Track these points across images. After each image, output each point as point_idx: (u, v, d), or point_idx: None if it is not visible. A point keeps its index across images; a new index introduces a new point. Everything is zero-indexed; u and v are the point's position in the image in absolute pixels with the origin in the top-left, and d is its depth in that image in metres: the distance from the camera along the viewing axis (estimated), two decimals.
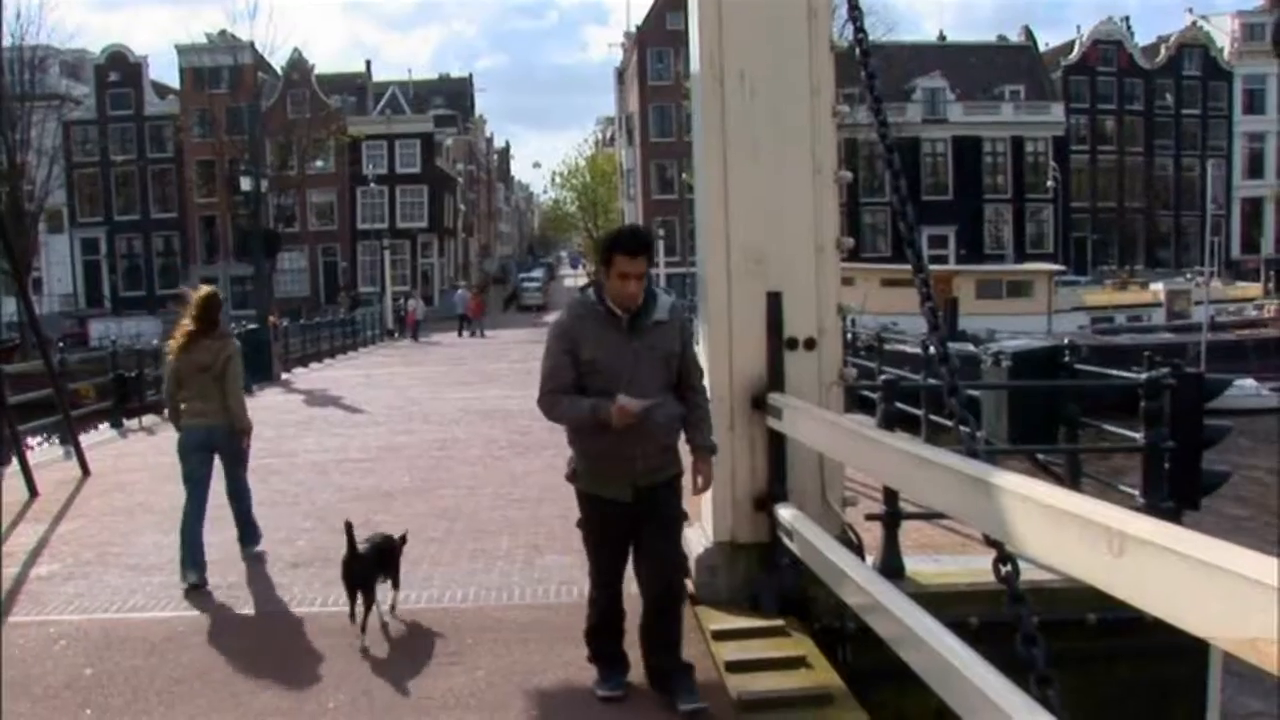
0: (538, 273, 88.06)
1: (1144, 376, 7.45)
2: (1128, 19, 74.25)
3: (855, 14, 5.23)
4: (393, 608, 6.64)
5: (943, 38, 75.58)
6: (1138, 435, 7.58)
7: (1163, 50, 70.43)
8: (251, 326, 25.88)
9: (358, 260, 65.85)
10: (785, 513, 6.00)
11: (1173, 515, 7.65)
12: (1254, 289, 52.18)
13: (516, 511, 9.54)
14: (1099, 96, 69.20)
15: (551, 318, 5.04)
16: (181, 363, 8.05)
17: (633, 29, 68.26)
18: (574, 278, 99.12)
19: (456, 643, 6.17)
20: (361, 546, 6.39)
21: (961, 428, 4.15)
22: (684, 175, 57.38)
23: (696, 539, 6.64)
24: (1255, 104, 67.80)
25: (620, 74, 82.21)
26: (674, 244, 62.05)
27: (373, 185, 63.24)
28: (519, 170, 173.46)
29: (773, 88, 6.31)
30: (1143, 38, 72.36)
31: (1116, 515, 2.38)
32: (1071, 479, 9.12)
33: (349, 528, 6.29)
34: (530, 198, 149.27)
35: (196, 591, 7.32)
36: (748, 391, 6.35)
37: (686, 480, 5.25)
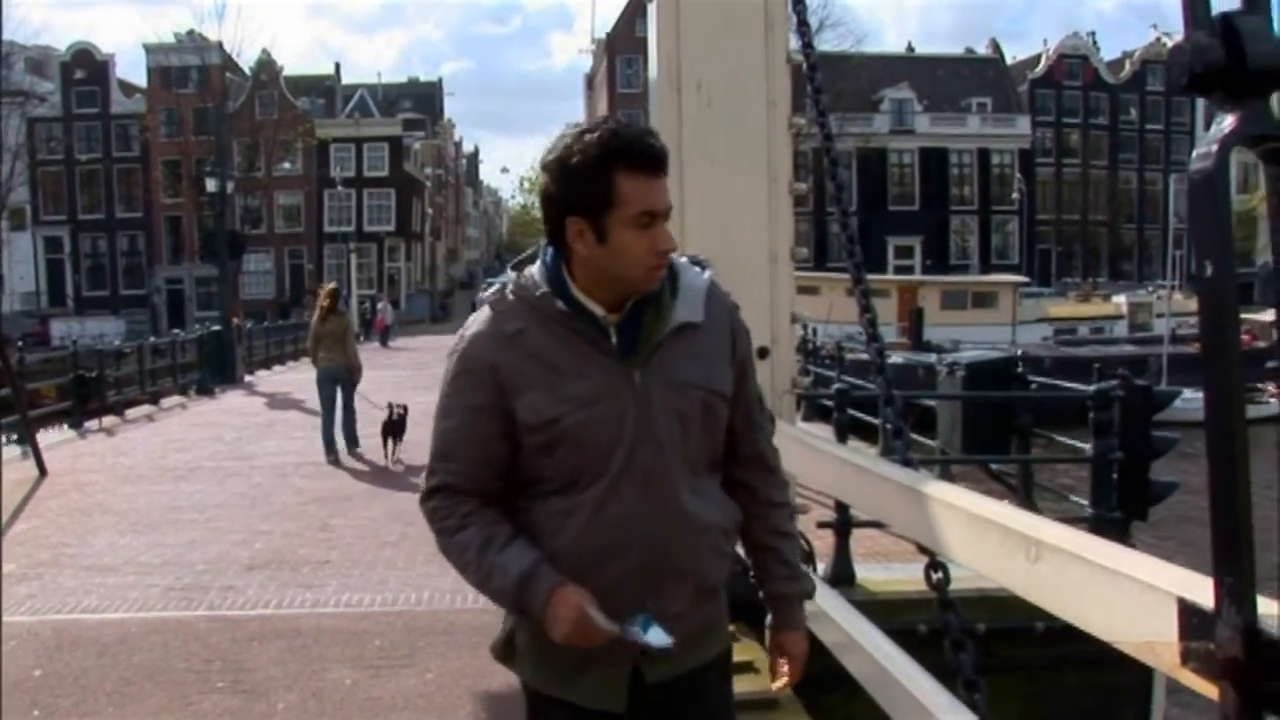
0: (505, 278, 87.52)
1: (1092, 388, 7.57)
2: (1094, 34, 75.05)
3: (804, 29, 5.31)
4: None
5: (911, 49, 76.02)
6: (1088, 446, 7.68)
7: (1127, 65, 71.09)
8: (214, 328, 25.77)
9: (324, 263, 65.47)
10: None
11: (1121, 525, 7.76)
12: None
13: None
14: (1064, 110, 69.73)
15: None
16: (320, 329, 13.64)
17: (601, 36, 68.27)
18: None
19: (409, 645, 6.20)
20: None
21: (900, 439, 4.22)
22: None
23: None
24: (1217, 120, 68.13)
25: (589, 80, 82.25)
26: None
27: (340, 188, 63.00)
28: (487, 175, 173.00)
29: (730, 98, 6.36)
30: (1108, 53, 73.05)
31: (1033, 523, 2.45)
32: (1024, 489, 9.24)
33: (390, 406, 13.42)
34: (498, 202, 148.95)
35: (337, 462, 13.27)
36: None
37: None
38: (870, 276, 5.69)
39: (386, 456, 13.20)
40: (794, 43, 6.46)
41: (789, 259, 6.56)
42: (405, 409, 13.39)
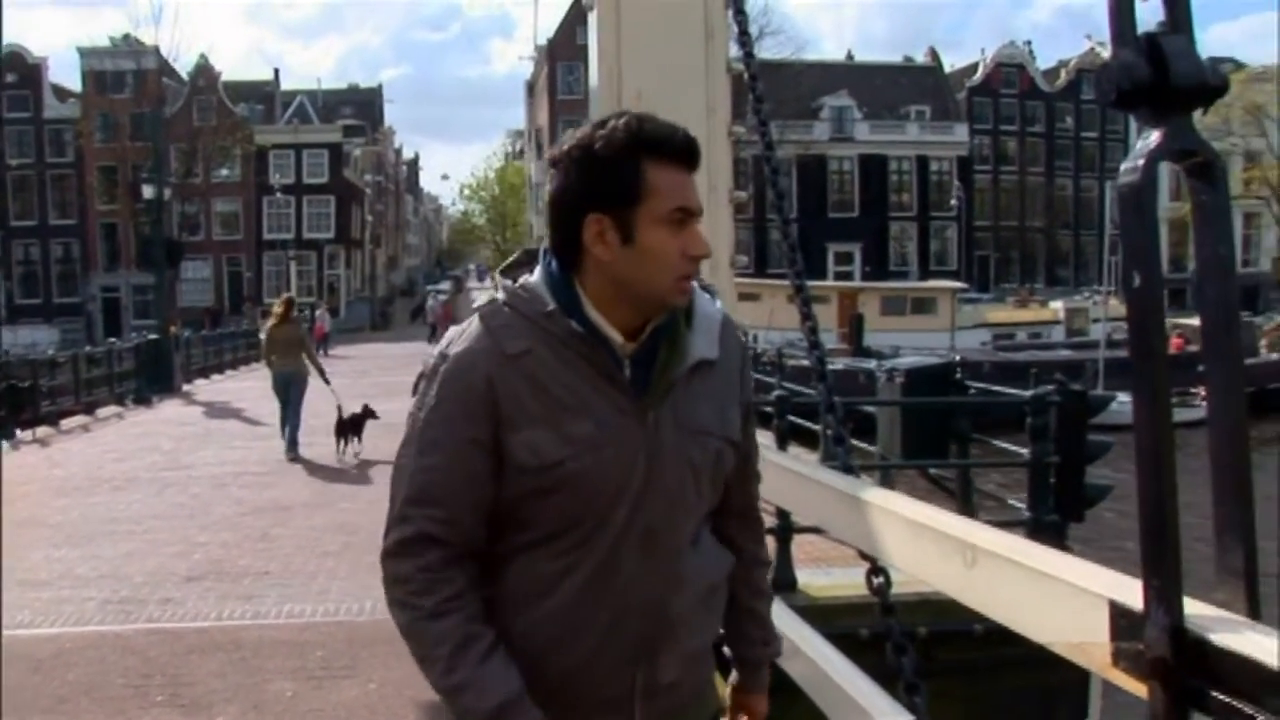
0: (445, 285, 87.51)
1: (1029, 394, 7.68)
2: (1029, 43, 76.11)
3: (744, 38, 5.35)
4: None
5: (850, 57, 76.51)
6: (1025, 451, 7.80)
7: (1063, 74, 71.99)
8: (152, 336, 25.47)
9: (263, 270, 64.89)
10: None
11: (1057, 528, 7.88)
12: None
13: None
14: (1002, 118, 70.51)
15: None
16: (274, 335, 14.63)
17: (542, 42, 68.20)
18: (481, 290, 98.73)
19: (350, 655, 6.17)
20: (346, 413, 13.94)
21: (838, 444, 4.26)
22: None
23: None
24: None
25: (530, 87, 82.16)
26: None
27: (279, 194, 62.51)
28: (428, 182, 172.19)
29: (670, 107, 6.32)
30: (1044, 61, 73.96)
31: (968, 528, 2.49)
32: (963, 493, 9.34)
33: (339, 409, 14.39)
34: (439, 210, 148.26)
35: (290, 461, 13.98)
36: None
37: None
38: (810, 283, 5.76)
39: (340, 452, 14.05)
40: (734, 50, 6.52)
41: (729, 267, 6.60)
42: (367, 408, 14.36)
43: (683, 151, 1.86)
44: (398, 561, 1.90)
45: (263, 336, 15.57)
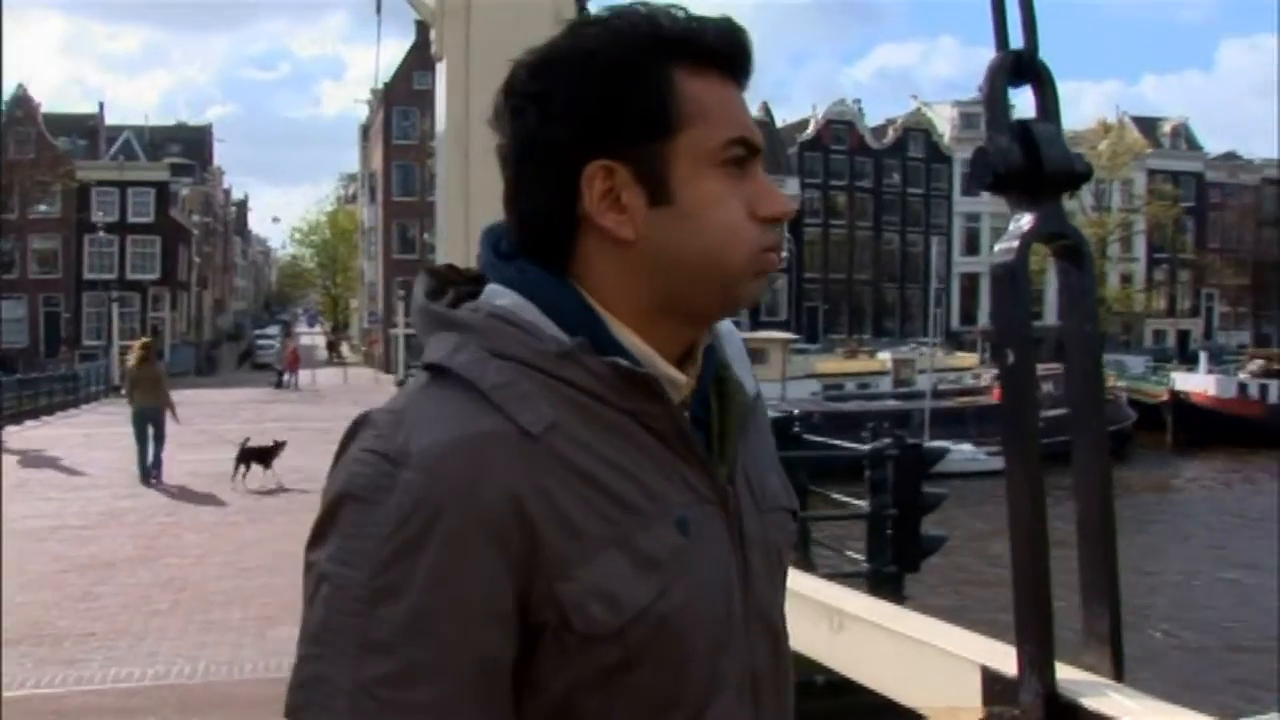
0: (274, 329, 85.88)
1: (868, 448, 7.86)
2: (859, 101, 78.29)
3: None
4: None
5: None
6: (863, 503, 7.98)
7: (890, 132, 74.33)
8: None
9: (83, 311, 62.64)
10: None
11: (895, 578, 8.08)
12: (971, 359, 55.30)
13: (248, 581, 9.28)
14: (832, 173, 72.34)
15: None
16: (136, 374, 16.49)
17: (379, 86, 67.57)
18: (311, 336, 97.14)
19: None
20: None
21: None
22: (425, 236, 57.17)
23: None
24: (972, 187, 71.93)
25: (365, 131, 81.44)
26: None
27: (102, 233, 60.45)
28: (256, 224, 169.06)
29: None
30: (872, 119, 76.26)
31: (835, 593, 2.53)
32: (802, 545, 9.49)
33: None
34: (268, 253, 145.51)
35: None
36: None
37: None
38: None
39: (237, 479, 14.93)
40: None
41: None
42: (278, 442, 15.64)
43: (734, 53, 1.14)
44: None
45: (122, 375, 17.96)
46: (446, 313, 1.10)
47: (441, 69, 6.55)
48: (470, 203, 6.40)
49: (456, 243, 6.42)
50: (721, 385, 1.19)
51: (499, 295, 1.10)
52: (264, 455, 15.38)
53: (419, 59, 61.30)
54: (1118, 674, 1.87)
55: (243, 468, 15.09)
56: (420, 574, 0.97)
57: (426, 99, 6.69)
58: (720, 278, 1.10)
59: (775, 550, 1.21)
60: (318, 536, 1.03)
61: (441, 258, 6.70)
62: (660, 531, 1.06)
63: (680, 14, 1.11)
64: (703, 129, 1.09)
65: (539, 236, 1.12)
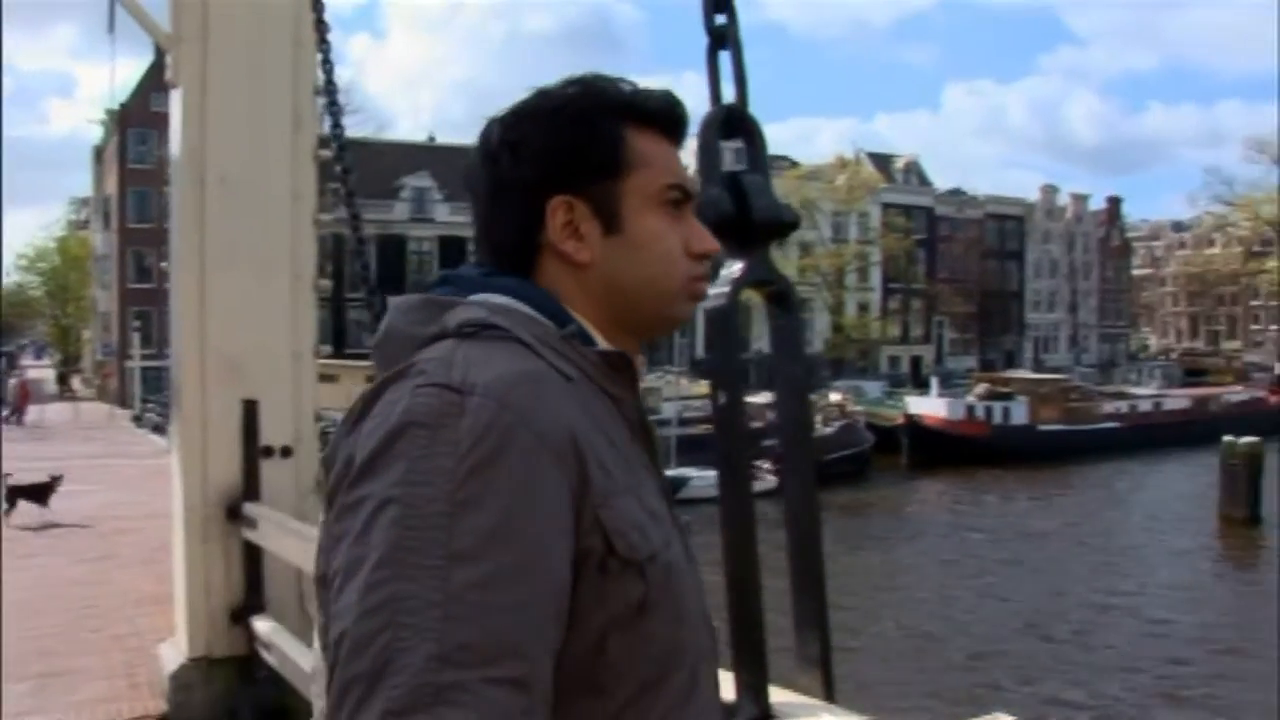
0: None
1: None
2: None
3: (337, 130, 5.34)
4: None
5: (432, 139, 77.22)
6: None
7: None
8: None
9: None
10: (262, 625, 5.88)
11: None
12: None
13: None
14: None
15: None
16: None
17: (115, 106, 64.74)
18: (39, 369, 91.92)
19: None
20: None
21: None
22: (164, 264, 55.04)
23: (170, 656, 6.36)
24: (727, 264, 73.80)
25: (98, 153, 77.88)
26: (150, 335, 58.93)
27: None
28: None
29: (255, 193, 6.26)
30: None
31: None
32: None
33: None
34: None
35: None
36: (223, 501, 6.18)
37: None
38: None
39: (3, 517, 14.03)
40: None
41: (312, 356, 6.52)
42: (54, 476, 14.65)
43: (673, 119, 1.36)
44: None
45: None
46: (456, 299, 1.24)
47: (177, 95, 6.35)
48: (206, 230, 6.23)
49: (191, 271, 6.23)
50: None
51: (491, 297, 1.25)
52: (37, 493, 14.39)
53: (157, 79, 58.89)
54: (829, 695, 1.95)
55: (8, 507, 14.23)
56: (501, 484, 1.04)
57: (165, 121, 6.48)
58: (660, 298, 1.32)
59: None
60: (369, 470, 1.07)
61: (175, 286, 6.48)
62: (651, 496, 1.21)
63: (627, 85, 1.33)
64: (647, 174, 1.30)
65: (509, 261, 1.30)
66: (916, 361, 76.78)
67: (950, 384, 55.90)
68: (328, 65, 5.97)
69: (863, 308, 75.23)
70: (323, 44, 6.02)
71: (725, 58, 2.03)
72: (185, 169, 6.25)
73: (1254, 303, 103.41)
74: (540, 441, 1.07)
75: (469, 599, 0.99)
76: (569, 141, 1.28)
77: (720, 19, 2.00)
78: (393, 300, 1.29)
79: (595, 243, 1.28)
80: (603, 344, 1.27)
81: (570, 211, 1.28)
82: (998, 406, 46.80)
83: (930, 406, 46.87)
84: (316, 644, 1.21)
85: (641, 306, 1.31)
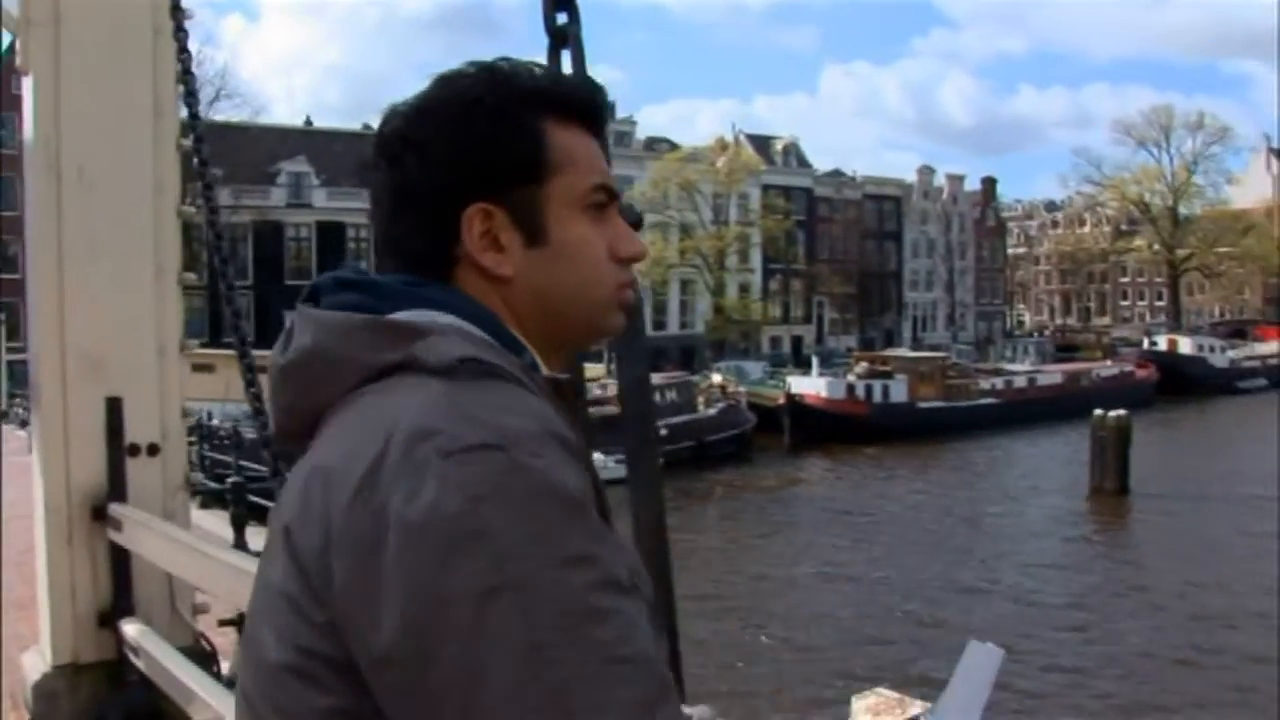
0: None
1: None
2: None
3: (195, 121, 5.24)
4: None
5: (309, 123, 75.94)
6: None
7: None
8: None
9: None
10: (131, 628, 5.74)
11: None
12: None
13: None
14: None
15: None
16: None
17: None
18: None
19: None
20: None
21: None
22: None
23: (34, 664, 6.18)
24: None
25: None
26: (17, 328, 57.25)
27: None
28: None
29: (115, 185, 6.10)
30: None
31: None
32: None
33: None
34: None
35: None
36: (88, 501, 6.02)
37: None
38: (261, 352, 5.71)
39: None
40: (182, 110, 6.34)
41: (179, 351, 6.39)
42: None
43: (594, 110, 1.23)
44: None
45: None
46: (416, 323, 1.08)
47: (28, 83, 6.16)
48: (63, 224, 6.06)
49: (48, 266, 6.06)
50: None
51: (431, 315, 1.11)
52: None
53: (13, 61, 57.08)
54: (681, 697, 1.96)
55: None
56: (591, 532, 0.95)
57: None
58: (591, 309, 1.20)
59: None
60: (445, 565, 0.91)
61: (32, 282, 6.29)
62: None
63: (540, 70, 1.22)
64: (571, 175, 1.17)
65: (422, 272, 1.16)
66: (798, 341, 77.79)
67: (831, 363, 56.77)
68: (184, 55, 5.84)
69: (744, 289, 75.86)
70: (179, 31, 5.89)
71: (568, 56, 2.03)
72: (39, 160, 6.07)
73: (1122, 280, 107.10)
74: (586, 487, 0.98)
75: (621, 654, 0.90)
76: (484, 141, 1.15)
77: (562, 18, 2.00)
78: (312, 314, 1.15)
79: (517, 254, 1.16)
80: (544, 369, 1.16)
81: (489, 220, 1.15)
82: (877, 385, 47.58)
83: (811, 386, 47.49)
84: (238, 688, 1.12)
85: (571, 320, 1.20)
